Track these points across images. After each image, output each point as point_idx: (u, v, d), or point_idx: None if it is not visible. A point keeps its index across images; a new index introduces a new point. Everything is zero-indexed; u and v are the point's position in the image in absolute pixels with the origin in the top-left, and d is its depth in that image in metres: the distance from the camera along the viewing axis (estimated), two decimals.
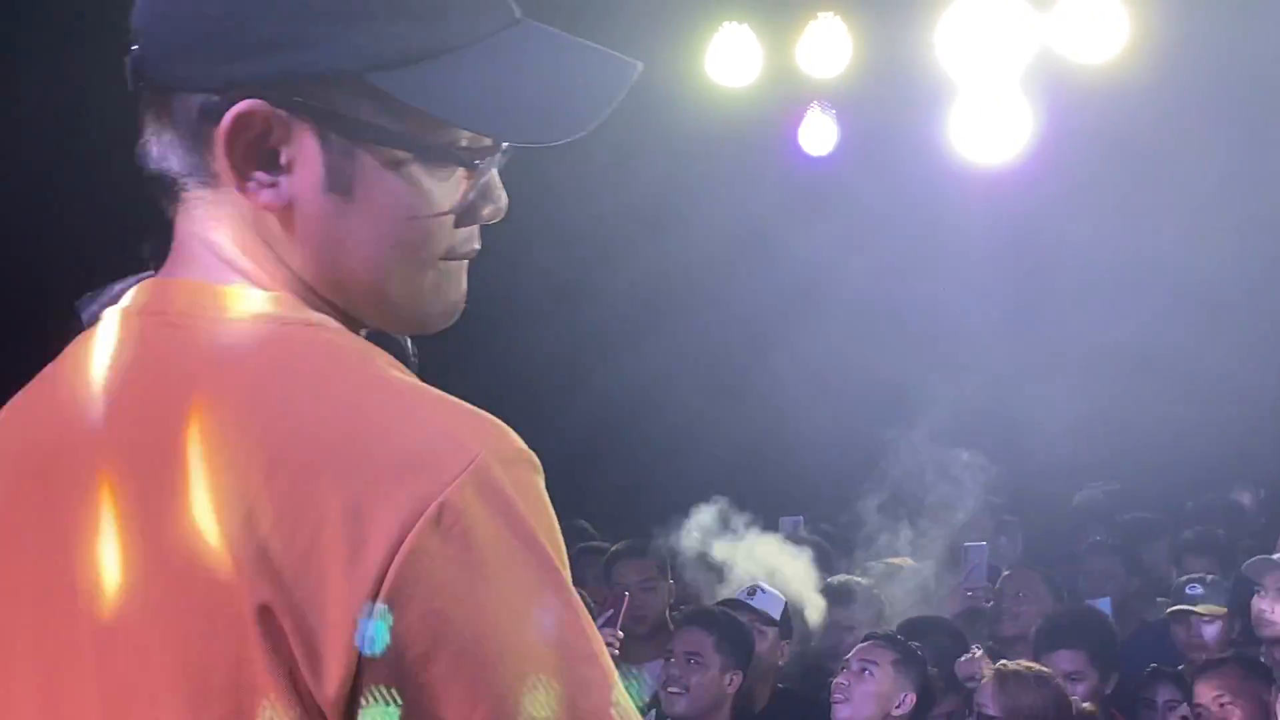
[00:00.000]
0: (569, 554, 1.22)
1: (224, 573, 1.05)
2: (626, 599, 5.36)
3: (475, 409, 1.13)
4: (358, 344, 1.19)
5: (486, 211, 1.25)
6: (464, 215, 1.22)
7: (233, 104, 1.12)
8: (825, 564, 6.71)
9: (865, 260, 7.54)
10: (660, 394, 8.01)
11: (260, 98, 1.13)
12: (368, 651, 1.03)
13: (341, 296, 1.21)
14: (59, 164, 6.65)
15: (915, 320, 7.55)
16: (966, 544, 6.56)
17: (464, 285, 1.27)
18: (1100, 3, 7.50)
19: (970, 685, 5.31)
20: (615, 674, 1.11)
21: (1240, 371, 7.79)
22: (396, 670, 1.03)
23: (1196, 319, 7.96)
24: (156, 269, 1.24)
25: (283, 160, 1.16)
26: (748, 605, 5.55)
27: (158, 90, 1.19)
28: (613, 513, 7.69)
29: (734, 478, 7.20)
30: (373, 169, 1.16)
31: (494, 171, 1.24)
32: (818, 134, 8.55)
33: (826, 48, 8.23)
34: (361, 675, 1.04)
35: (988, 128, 7.81)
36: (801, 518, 7.42)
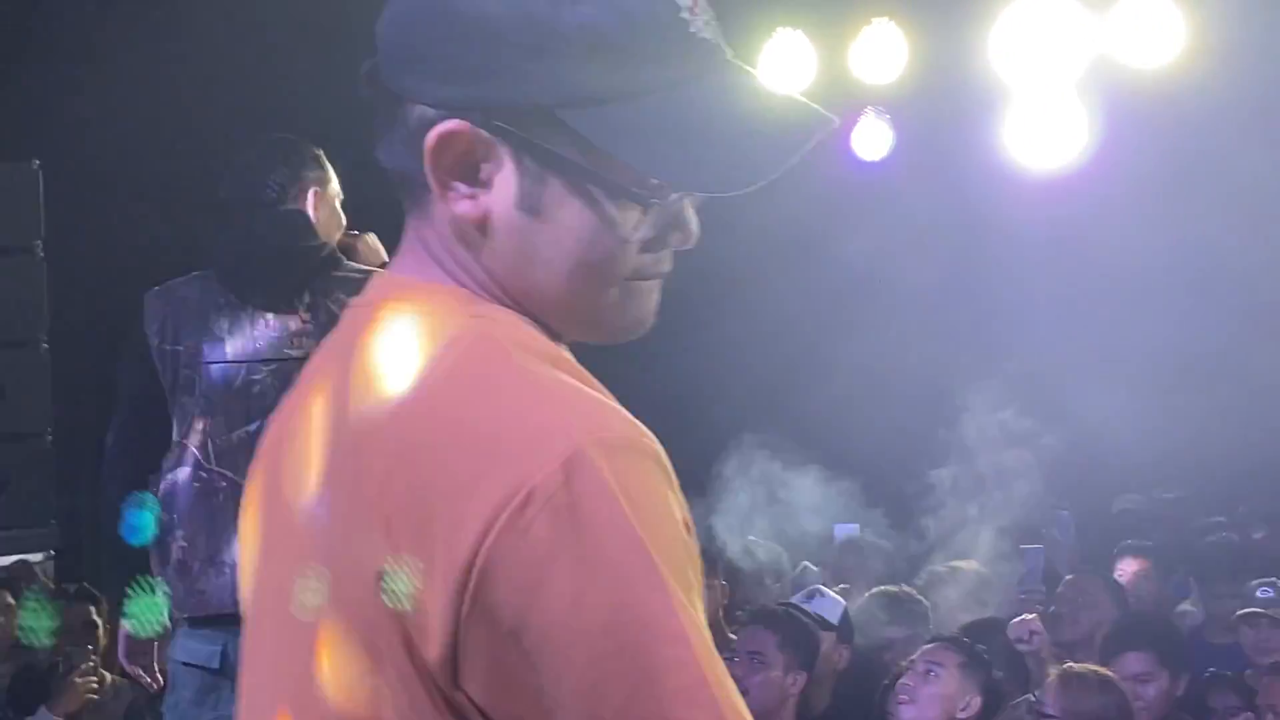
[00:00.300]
0: None
1: (359, 540, 1.15)
2: None
3: (599, 399, 1.19)
4: (512, 336, 1.24)
5: (674, 239, 1.29)
6: (649, 243, 1.27)
7: (443, 120, 1.21)
8: (889, 568, 6.82)
9: (918, 265, 7.51)
10: (709, 394, 7.96)
11: (466, 119, 1.21)
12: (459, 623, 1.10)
13: (528, 304, 1.28)
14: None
15: (967, 325, 7.55)
16: (1023, 546, 6.51)
17: (652, 303, 1.33)
18: (1157, 7, 7.50)
19: (1021, 647, 5.39)
20: (705, 659, 1.12)
21: None
22: (488, 643, 1.10)
23: (1252, 323, 7.84)
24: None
25: (482, 176, 1.24)
26: (805, 609, 5.55)
27: (389, 96, 1.28)
28: None
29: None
30: (561, 194, 1.23)
31: (685, 202, 1.28)
32: (872, 139, 8.59)
33: (881, 53, 8.31)
34: (460, 645, 1.10)
35: (1042, 133, 7.83)
36: (857, 525, 7.40)
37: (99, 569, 6.55)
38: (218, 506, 4.14)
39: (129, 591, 4.52)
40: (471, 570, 1.10)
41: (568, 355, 1.29)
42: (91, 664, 5.82)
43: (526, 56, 1.21)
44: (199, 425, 4.19)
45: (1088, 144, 7.74)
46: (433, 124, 1.23)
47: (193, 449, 4.19)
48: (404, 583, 1.13)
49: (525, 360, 1.21)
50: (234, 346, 4.23)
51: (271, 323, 4.22)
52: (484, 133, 1.22)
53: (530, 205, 1.25)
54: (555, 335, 1.30)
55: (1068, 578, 6.28)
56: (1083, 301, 8.14)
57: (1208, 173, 7.79)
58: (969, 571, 6.36)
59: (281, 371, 4.22)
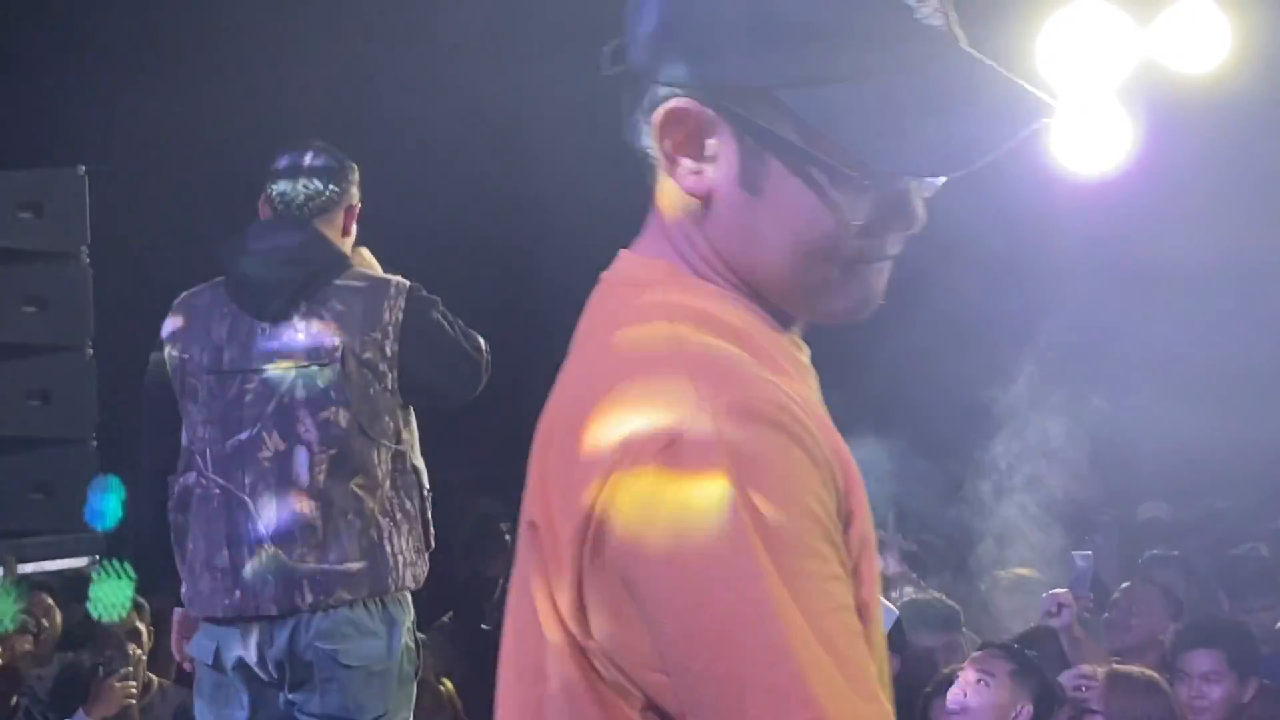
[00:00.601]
0: None
1: (531, 496, 1.25)
2: None
3: (744, 372, 1.21)
4: (688, 309, 1.27)
5: (898, 223, 1.30)
6: (869, 225, 1.28)
7: (673, 98, 1.26)
8: (919, 573, 6.85)
9: (960, 269, 7.35)
10: None
11: (693, 97, 1.25)
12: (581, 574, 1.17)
13: (751, 280, 1.31)
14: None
15: (1008, 331, 7.50)
16: (1073, 553, 6.44)
17: (879, 285, 1.34)
18: (1202, 13, 7.50)
19: (1052, 622, 5.50)
20: (789, 632, 1.12)
21: None
22: (608, 593, 1.16)
23: None
24: None
25: (707, 153, 1.27)
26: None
27: (631, 76, 1.33)
28: None
29: None
30: (780, 173, 1.26)
31: (910, 186, 1.29)
32: None
33: None
34: (585, 594, 1.17)
35: (1088, 138, 7.79)
36: (893, 512, 7.35)
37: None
38: (213, 512, 4.11)
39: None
40: (589, 524, 1.15)
41: (769, 332, 1.31)
42: (129, 670, 5.81)
43: (750, 38, 1.24)
44: (201, 433, 4.18)
45: (1132, 149, 7.69)
46: (658, 102, 1.28)
47: (196, 455, 4.18)
48: (547, 535, 1.20)
49: (680, 332, 1.24)
50: (230, 355, 4.20)
51: (268, 331, 4.19)
52: (709, 111, 1.26)
53: (751, 183, 1.27)
54: (781, 313, 1.34)
55: (1124, 585, 6.25)
56: (1126, 307, 8.14)
57: (1253, 179, 7.80)
58: (1028, 578, 6.37)
59: (271, 381, 4.20)
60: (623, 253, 1.38)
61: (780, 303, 1.33)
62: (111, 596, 6.38)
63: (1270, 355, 7.79)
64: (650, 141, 1.32)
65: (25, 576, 6.87)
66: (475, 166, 9.01)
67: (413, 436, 4.27)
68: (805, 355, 1.39)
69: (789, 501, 1.16)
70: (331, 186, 4.27)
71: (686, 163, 1.29)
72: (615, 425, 1.18)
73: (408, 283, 4.25)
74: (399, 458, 4.22)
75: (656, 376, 1.21)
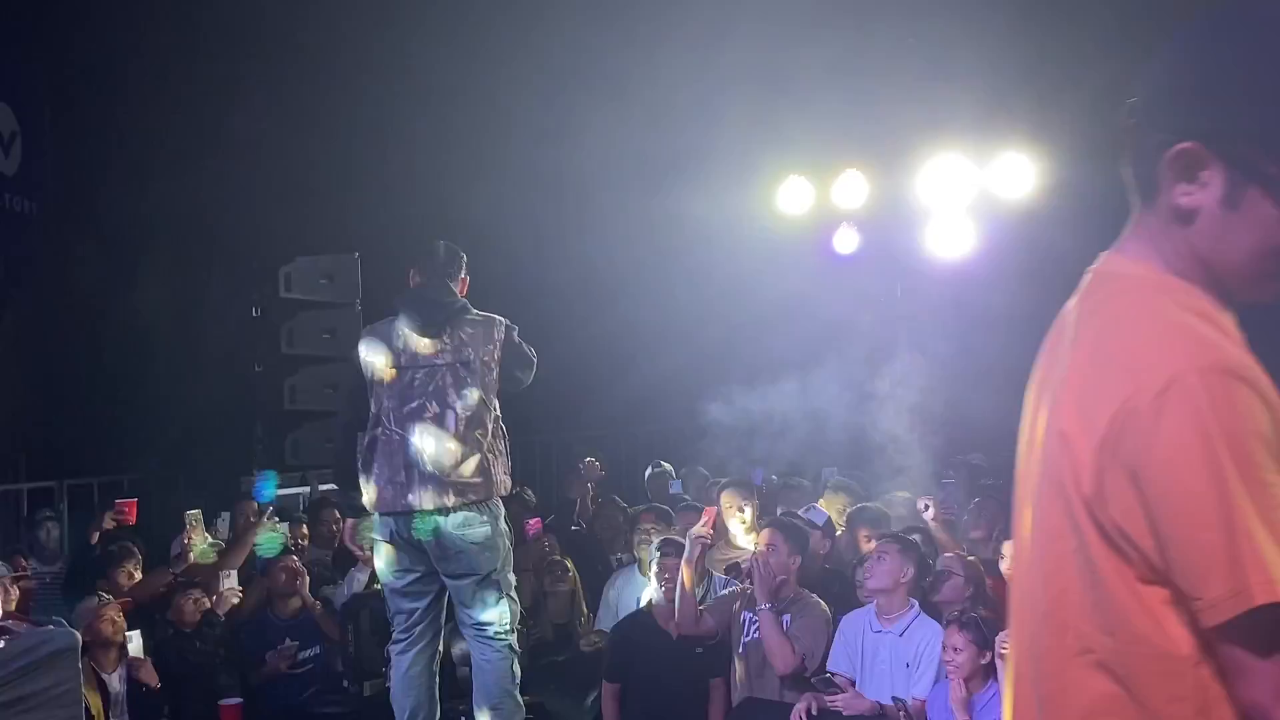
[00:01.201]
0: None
1: (1063, 415, 1.29)
2: (715, 510, 5.72)
3: (1214, 338, 1.25)
4: (1165, 290, 1.32)
5: None
6: None
7: (1179, 141, 1.30)
8: (856, 496, 6.98)
9: (873, 319, 7.70)
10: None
11: (1196, 140, 1.29)
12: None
13: (1213, 269, 1.34)
14: None
15: (891, 351, 7.53)
16: (943, 480, 6.92)
17: None
18: (1017, 160, 8.19)
19: (925, 516, 5.82)
20: (1241, 522, 1.16)
21: None
22: (1120, 483, 1.21)
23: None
24: None
25: (1200, 180, 1.31)
26: (802, 517, 5.89)
27: (1135, 126, 1.35)
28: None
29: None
30: (1257, 197, 1.29)
31: None
32: (846, 241, 9.13)
33: (852, 188, 8.93)
34: (1102, 483, 1.23)
35: (948, 236, 8.56)
36: (835, 468, 7.66)
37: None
38: (394, 449, 4.55)
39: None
40: (1108, 435, 1.19)
41: (1217, 313, 1.31)
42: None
43: (1244, 99, 1.27)
44: (386, 404, 4.59)
45: (974, 243, 8.45)
46: (1169, 144, 1.30)
47: (383, 416, 4.59)
48: (1075, 442, 1.22)
49: (1165, 307, 1.28)
50: (405, 357, 4.61)
51: (425, 344, 4.60)
52: (1208, 151, 1.28)
53: (1231, 203, 1.29)
54: (1226, 296, 1.34)
55: (975, 500, 6.47)
56: (972, 342, 7.86)
57: (1054, 262, 6.97)
58: (908, 497, 6.58)
59: (429, 372, 4.59)
60: (1107, 254, 1.39)
61: (1235, 289, 1.33)
62: (271, 543, 6.42)
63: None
64: (1152, 171, 1.33)
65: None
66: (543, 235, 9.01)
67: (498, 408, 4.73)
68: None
69: (1248, 431, 1.17)
70: (447, 263, 4.77)
71: (1183, 187, 1.30)
72: (1129, 370, 1.20)
73: (505, 320, 4.74)
74: (498, 420, 4.68)
75: (1158, 339, 1.23)
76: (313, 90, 7.57)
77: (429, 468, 4.47)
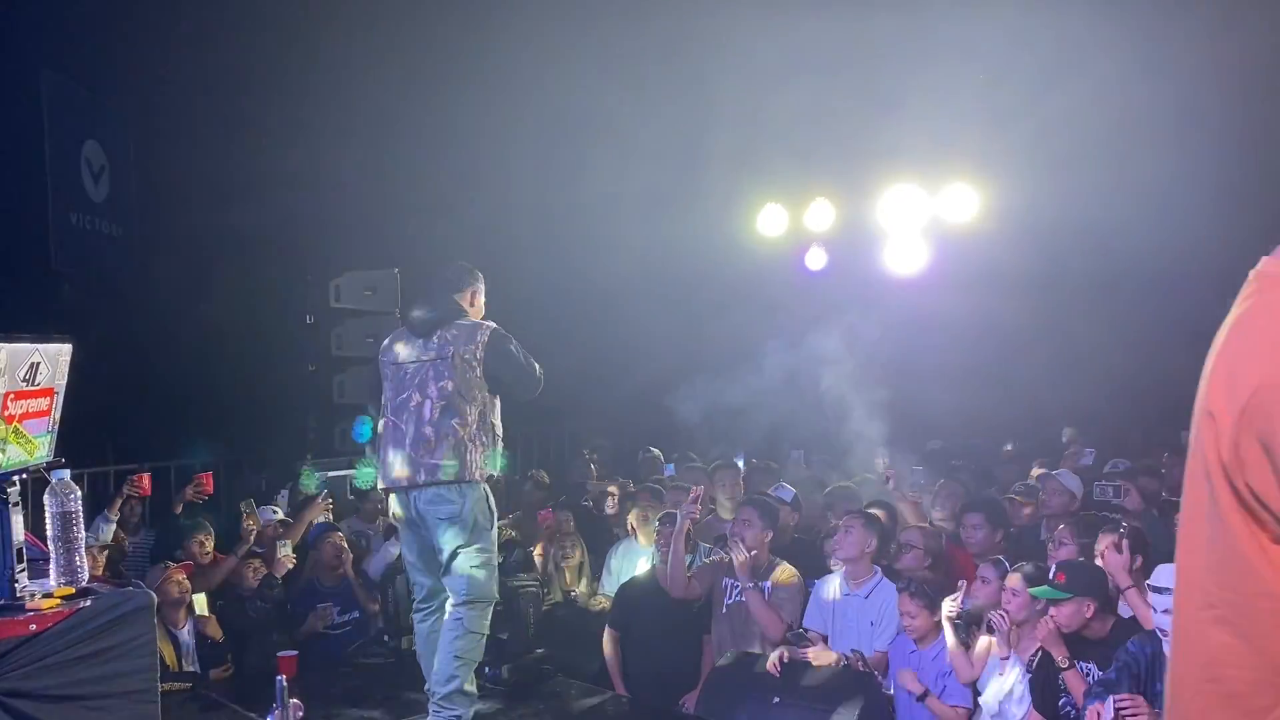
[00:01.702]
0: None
1: (1211, 396, 1.20)
2: (701, 489, 5.62)
3: None
4: None
5: None
6: None
7: None
8: (824, 476, 7.09)
9: (838, 327, 7.36)
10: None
11: None
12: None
13: None
14: None
15: (854, 354, 7.23)
16: (914, 467, 6.82)
17: None
18: (962, 189, 8.45)
19: (892, 489, 5.74)
20: None
21: None
22: (1254, 451, 1.15)
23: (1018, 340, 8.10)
24: None
25: None
26: (772, 495, 5.87)
27: None
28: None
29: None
30: None
31: None
32: (816, 260, 9.32)
33: (822, 214, 9.25)
34: (1239, 451, 1.16)
35: (904, 256, 8.74)
36: (803, 451, 7.81)
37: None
38: (390, 434, 4.44)
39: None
40: (1248, 406, 1.13)
41: None
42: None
43: None
44: (388, 395, 4.51)
45: (927, 261, 8.64)
46: None
47: (386, 405, 4.50)
48: (1219, 419, 1.16)
49: None
50: (403, 356, 4.53)
51: (418, 344, 4.49)
52: None
53: None
54: None
55: (940, 481, 6.36)
56: (923, 344, 8.09)
57: (994, 277, 8.30)
58: (871, 479, 6.68)
59: (418, 367, 4.46)
60: (1265, 258, 1.26)
61: None
62: (366, 476, 6.44)
63: (1009, 356, 7.92)
64: None
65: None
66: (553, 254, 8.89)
67: (496, 407, 4.46)
68: None
69: None
70: (453, 278, 4.59)
71: None
72: (1273, 350, 1.14)
73: (493, 325, 4.53)
74: (483, 413, 4.42)
75: (1267, 349, 1.14)
76: (360, 129, 7.63)
77: (408, 449, 4.38)
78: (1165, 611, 3.61)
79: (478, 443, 4.38)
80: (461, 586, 4.35)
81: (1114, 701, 3.58)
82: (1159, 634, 3.68)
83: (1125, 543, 4.19)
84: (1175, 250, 7.17)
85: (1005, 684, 4.10)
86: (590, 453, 8.32)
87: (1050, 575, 4.11)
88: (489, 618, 4.44)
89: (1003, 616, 4.11)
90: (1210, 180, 7.12)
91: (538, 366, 4.49)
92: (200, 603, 5.15)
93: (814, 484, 6.94)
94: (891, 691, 4.57)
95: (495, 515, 4.44)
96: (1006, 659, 4.14)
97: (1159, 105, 6.82)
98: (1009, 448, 8.46)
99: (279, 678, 3.12)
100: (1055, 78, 6.81)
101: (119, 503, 6.14)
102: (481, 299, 4.62)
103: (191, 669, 5.02)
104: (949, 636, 4.32)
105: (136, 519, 6.77)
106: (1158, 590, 3.68)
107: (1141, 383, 7.81)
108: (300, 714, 2.88)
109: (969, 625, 4.37)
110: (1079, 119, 7.07)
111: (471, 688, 4.39)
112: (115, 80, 8.55)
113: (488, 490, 4.41)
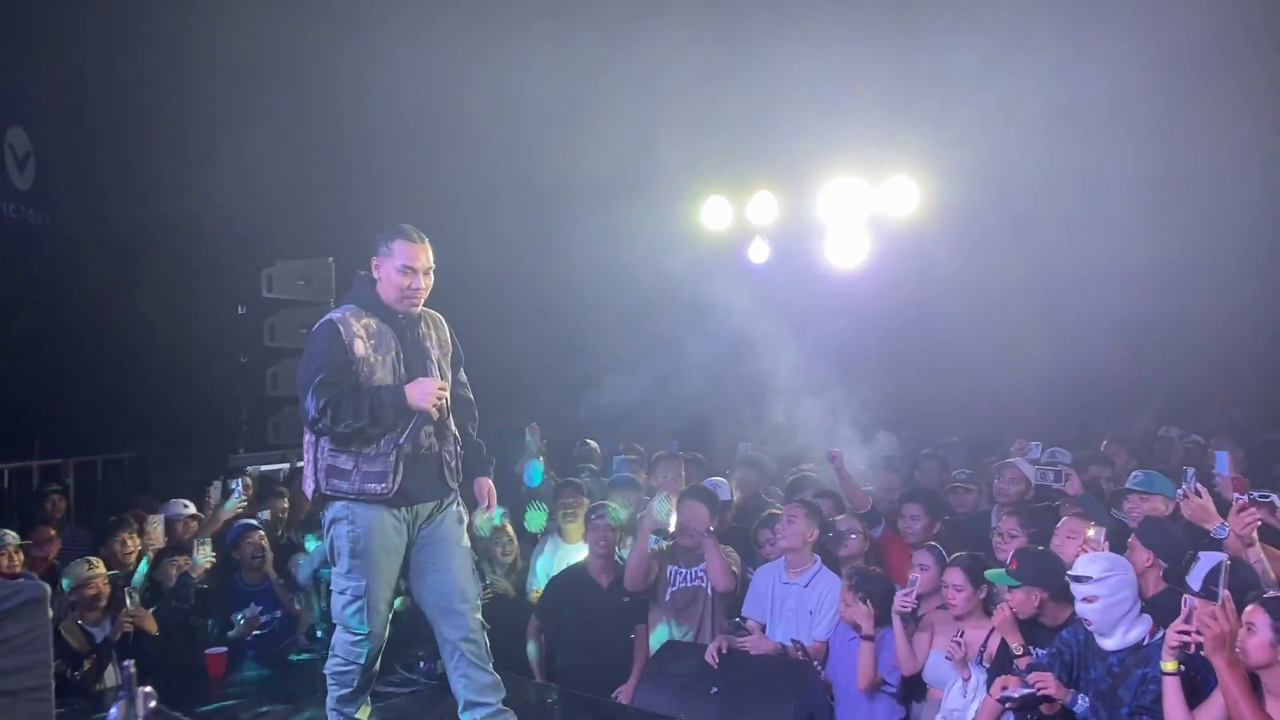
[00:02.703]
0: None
1: None
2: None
3: None
4: None
5: None
6: None
7: None
8: (763, 468, 7.01)
9: (779, 316, 7.48)
10: (661, 393, 7.83)
11: None
12: None
13: None
14: None
15: (796, 346, 7.26)
16: (878, 468, 6.65)
17: None
18: (903, 183, 8.45)
19: (833, 465, 5.63)
20: None
21: None
22: None
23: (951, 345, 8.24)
24: None
25: None
26: (710, 489, 5.62)
27: None
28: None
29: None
30: None
31: None
32: (759, 252, 9.35)
33: (764, 207, 9.30)
34: None
35: (846, 249, 8.78)
36: (750, 442, 7.52)
37: None
38: None
39: None
40: None
41: None
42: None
43: None
44: None
45: (868, 255, 8.67)
46: None
47: None
48: None
49: None
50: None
51: None
52: None
53: None
54: None
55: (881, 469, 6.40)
56: (862, 336, 8.03)
57: (933, 270, 8.46)
58: (813, 473, 6.63)
59: None
60: None
61: None
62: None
63: (933, 361, 8.14)
64: None
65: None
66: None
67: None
68: None
69: None
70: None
71: None
72: None
73: (332, 315, 3.78)
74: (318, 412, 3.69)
75: None
76: (294, 114, 7.46)
77: None
78: (1085, 600, 3.65)
79: (321, 452, 3.68)
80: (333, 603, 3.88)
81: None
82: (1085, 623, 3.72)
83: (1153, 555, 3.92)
84: (1105, 245, 7.26)
85: (972, 689, 4.09)
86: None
87: (1007, 560, 4.11)
88: (357, 646, 3.82)
89: (956, 644, 4.07)
90: (1140, 177, 7.18)
91: (320, 398, 3.54)
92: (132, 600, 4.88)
93: (760, 472, 6.94)
94: (826, 678, 4.60)
95: (362, 540, 3.67)
96: (968, 680, 4.11)
97: (1090, 100, 6.93)
98: (955, 439, 8.48)
99: (126, 664, 2.74)
100: (990, 72, 6.83)
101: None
102: (392, 268, 3.69)
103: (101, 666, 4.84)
104: (897, 631, 4.30)
105: (61, 514, 6.60)
106: (1078, 580, 3.69)
107: (1074, 374, 7.96)
108: (153, 703, 2.63)
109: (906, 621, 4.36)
110: (1013, 114, 7.09)
111: (343, 706, 3.98)
112: (42, 67, 8.40)
113: (352, 510, 3.69)
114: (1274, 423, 8.29)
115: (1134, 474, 4.91)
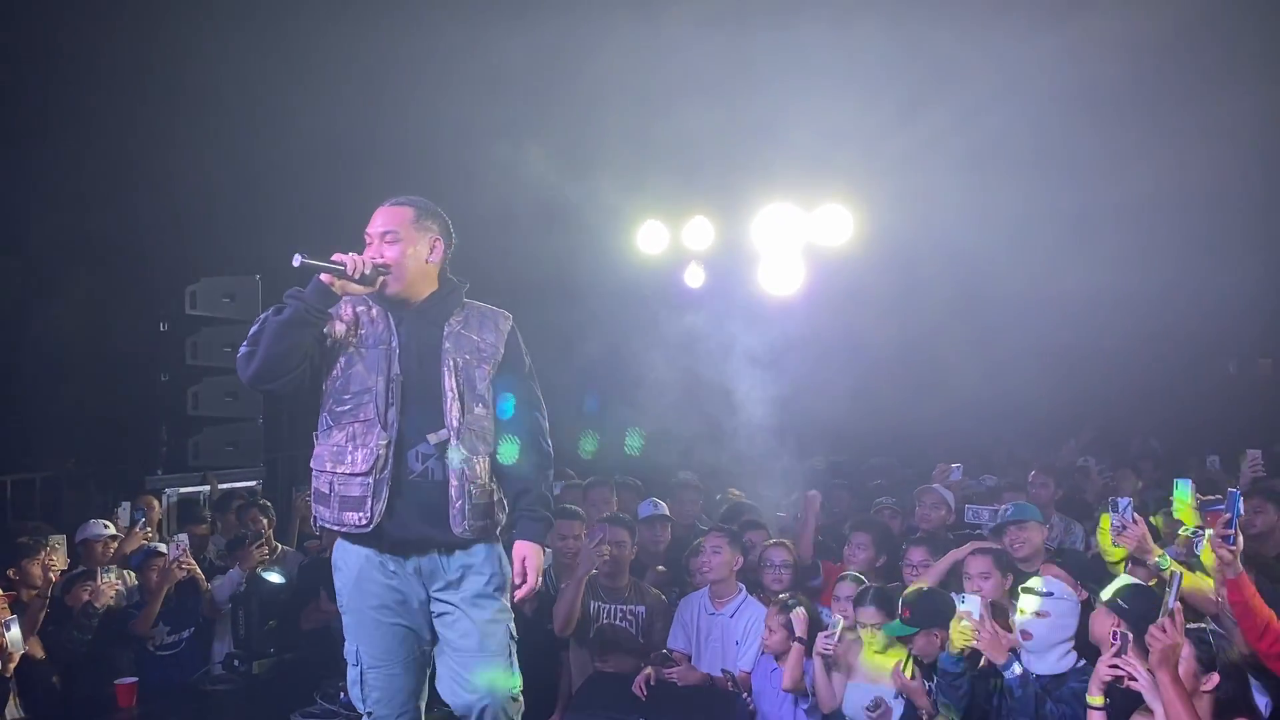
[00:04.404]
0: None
1: None
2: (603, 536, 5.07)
3: None
4: None
5: None
6: None
7: None
8: (701, 492, 7.03)
9: (712, 342, 7.47)
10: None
11: None
12: None
13: None
14: None
15: (731, 372, 7.28)
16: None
17: None
18: (837, 211, 8.42)
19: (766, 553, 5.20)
20: None
21: None
22: None
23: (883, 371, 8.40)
24: None
25: None
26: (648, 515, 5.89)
27: None
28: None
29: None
30: None
31: None
32: (694, 277, 9.34)
33: (700, 232, 9.22)
34: None
35: (779, 276, 8.69)
36: (695, 473, 7.49)
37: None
38: None
39: None
40: None
41: None
42: (262, 540, 5.89)
43: None
44: None
45: (802, 282, 8.58)
46: None
47: None
48: None
49: None
50: None
51: None
52: None
53: None
54: None
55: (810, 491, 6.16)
56: (796, 363, 7.80)
57: (866, 297, 8.69)
58: (743, 498, 6.76)
59: None
60: None
61: None
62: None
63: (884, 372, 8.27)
64: None
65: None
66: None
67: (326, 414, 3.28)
68: None
69: None
70: None
71: None
72: None
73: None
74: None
75: None
76: (218, 126, 7.25)
77: None
78: (1036, 614, 3.68)
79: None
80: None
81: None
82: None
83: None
84: (1030, 275, 7.39)
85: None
86: None
87: (898, 611, 4.09)
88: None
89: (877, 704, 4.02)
90: (1065, 210, 7.39)
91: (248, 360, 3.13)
92: (14, 633, 4.59)
93: (699, 499, 6.94)
94: (753, 708, 4.53)
95: (344, 591, 3.16)
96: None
97: (1017, 135, 7.01)
98: (879, 462, 8.58)
99: None
100: (921, 102, 6.91)
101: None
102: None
103: None
104: (818, 671, 4.25)
105: None
106: (1035, 592, 3.71)
107: (1001, 400, 8.05)
108: None
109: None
110: (943, 144, 7.13)
111: None
112: None
113: (341, 550, 3.23)
114: (1193, 449, 8.36)
115: (1004, 507, 4.91)
